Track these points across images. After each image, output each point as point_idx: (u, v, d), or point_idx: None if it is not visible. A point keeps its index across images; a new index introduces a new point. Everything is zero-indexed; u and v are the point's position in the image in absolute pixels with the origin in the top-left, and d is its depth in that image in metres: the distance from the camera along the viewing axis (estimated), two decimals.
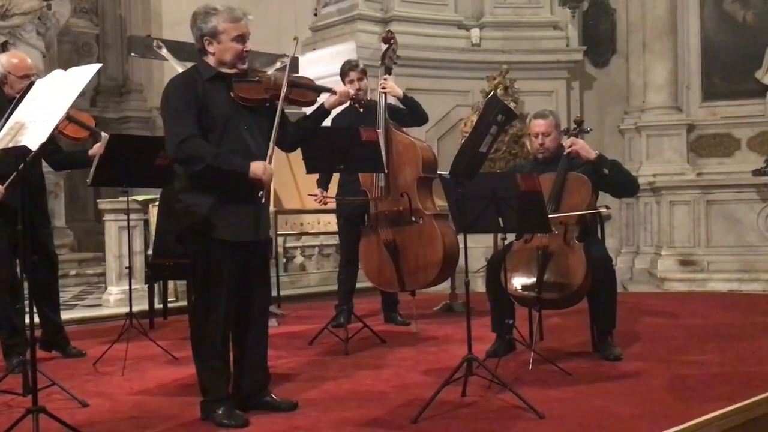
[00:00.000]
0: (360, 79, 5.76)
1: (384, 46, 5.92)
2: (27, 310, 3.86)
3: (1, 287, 4.64)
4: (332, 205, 6.10)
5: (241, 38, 3.53)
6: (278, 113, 3.55)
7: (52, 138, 4.65)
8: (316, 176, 5.77)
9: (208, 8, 3.54)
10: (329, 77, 7.49)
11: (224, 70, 3.54)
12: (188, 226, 3.55)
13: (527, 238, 4.69)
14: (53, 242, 5.19)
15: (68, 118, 4.81)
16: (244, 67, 3.58)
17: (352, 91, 3.83)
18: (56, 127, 4.58)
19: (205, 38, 3.53)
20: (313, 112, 3.80)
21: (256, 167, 3.44)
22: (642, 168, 9.07)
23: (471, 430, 3.43)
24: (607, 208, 5.10)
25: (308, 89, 3.71)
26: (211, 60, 3.55)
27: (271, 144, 3.52)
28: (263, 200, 3.51)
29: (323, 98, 3.82)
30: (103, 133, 4.89)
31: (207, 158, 3.40)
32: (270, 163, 3.49)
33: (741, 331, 5.61)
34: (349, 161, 4.82)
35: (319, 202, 5.88)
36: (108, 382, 4.42)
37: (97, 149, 4.79)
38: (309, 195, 5.95)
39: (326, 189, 5.87)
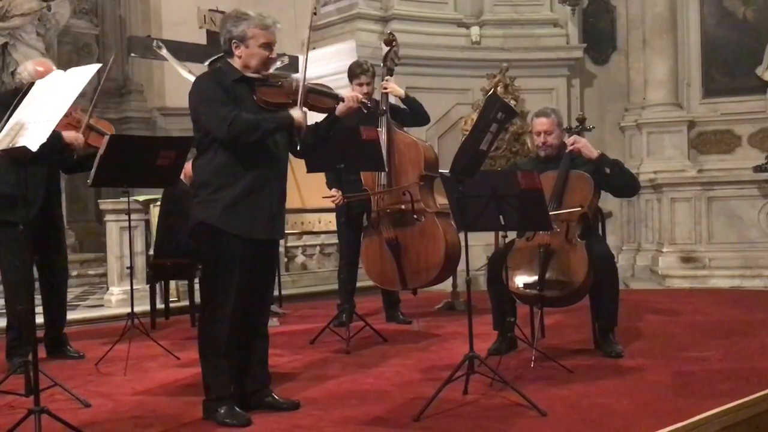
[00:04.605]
0: (368, 83, 5.74)
1: (386, 48, 5.94)
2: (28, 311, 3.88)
3: (16, 287, 4.65)
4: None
5: (268, 46, 3.61)
6: (301, 83, 3.64)
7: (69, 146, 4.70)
8: (315, 175, 5.75)
9: (239, 12, 3.63)
10: (329, 76, 7.49)
11: (248, 74, 3.62)
12: (203, 221, 3.57)
13: (529, 236, 4.68)
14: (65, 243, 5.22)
15: (90, 126, 4.85)
16: (267, 72, 3.67)
17: (360, 96, 3.84)
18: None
19: (233, 41, 3.60)
20: (324, 119, 3.84)
21: (297, 114, 3.59)
22: (643, 165, 9.07)
23: (473, 427, 3.43)
24: (601, 212, 5.06)
25: (326, 96, 3.78)
26: (236, 63, 3.62)
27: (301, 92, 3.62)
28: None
29: None
30: None
31: (260, 126, 3.51)
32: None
33: (743, 327, 5.61)
34: (350, 160, 4.83)
35: (338, 202, 5.67)
36: (110, 383, 4.42)
37: None
38: (324, 197, 5.83)
39: (339, 188, 5.65)
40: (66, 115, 4.77)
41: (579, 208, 4.60)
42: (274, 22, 3.64)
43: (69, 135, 4.73)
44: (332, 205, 5.86)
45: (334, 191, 5.71)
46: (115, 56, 3.84)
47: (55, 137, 4.46)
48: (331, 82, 4.29)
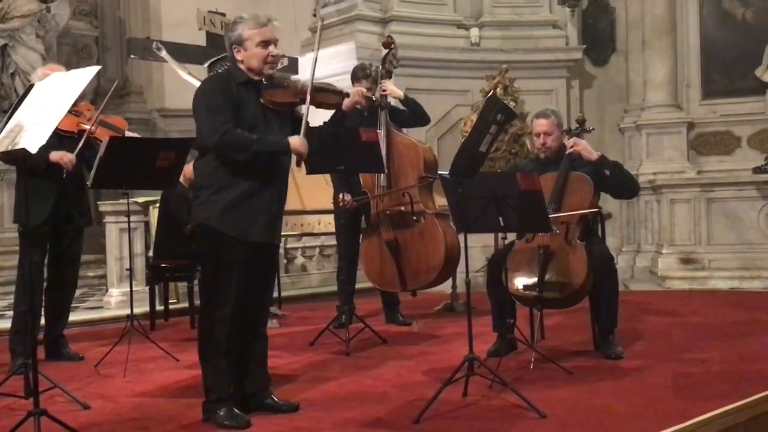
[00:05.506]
0: (369, 89, 5.71)
1: (384, 51, 5.95)
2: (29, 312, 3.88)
3: (20, 288, 4.67)
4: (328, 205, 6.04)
5: (265, 43, 3.61)
6: (305, 115, 3.66)
7: (88, 143, 4.68)
8: (315, 177, 5.74)
9: (236, 17, 3.66)
10: (329, 77, 7.46)
11: (253, 77, 3.63)
12: (203, 222, 3.58)
13: (529, 237, 4.68)
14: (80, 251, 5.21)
15: (101, 123, 4.84)
16: (272, 72, 3.67)
17: (364, 90, 3.87)
18: (90, 132, 4.66)
19: (233, 46, 3.63)
20: (332, 116, 3.91)
21: (295, 141, 3.58)
22: (642, 166, 9.07)
23: (473, 429, 3.43)
24: (600, 209, 5.06)
25: (332, 93, 3.83)
26: (241, 67, 3.64)
27: (304, 122, 3.63)
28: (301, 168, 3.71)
29: None
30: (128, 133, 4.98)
31: (251, 145, 3.50)
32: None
33: (742, 328, 5.61)
34: (349, 162, 4.83)
35: (348, 206, 5.62)
36: (109, 384, 4.42)
37: None
38: (333, 202, 5.82)
39: (348, 191, 5.62)
40: (77, 114, 4.80)
41: (596, 209, 4.63)
42: (269, 19, 3.64)
43: (55, 155, 4.61)
44: (331, 206, 5.86)
45: (342, 195, 5.66)
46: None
47: (41, 157, 4.42)
48: (331, 82, 4.30)
